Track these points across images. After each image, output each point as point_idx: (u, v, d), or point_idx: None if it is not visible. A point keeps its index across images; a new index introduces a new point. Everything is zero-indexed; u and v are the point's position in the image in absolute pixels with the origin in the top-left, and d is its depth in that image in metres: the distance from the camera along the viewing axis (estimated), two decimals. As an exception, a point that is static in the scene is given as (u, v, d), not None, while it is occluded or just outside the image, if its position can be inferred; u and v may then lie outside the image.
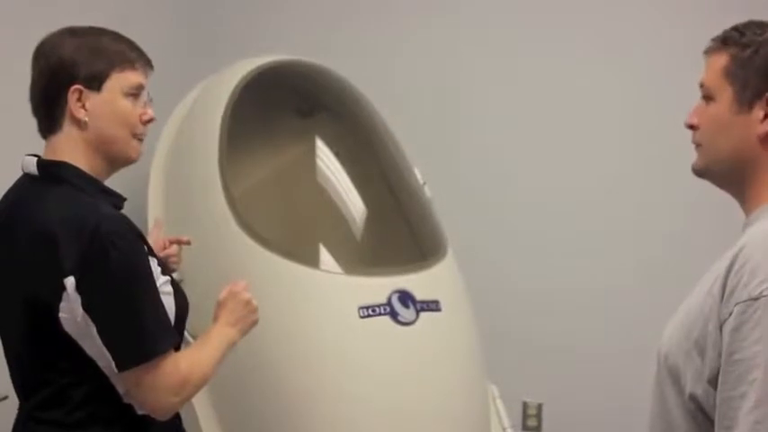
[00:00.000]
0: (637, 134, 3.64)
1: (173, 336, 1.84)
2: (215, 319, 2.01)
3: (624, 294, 3.65)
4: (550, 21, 3.71)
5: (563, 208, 3.72)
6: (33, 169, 1.88)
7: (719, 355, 1.41)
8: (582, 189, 3.71)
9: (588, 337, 3.69)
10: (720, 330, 1.42)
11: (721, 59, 1.56)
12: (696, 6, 3.47)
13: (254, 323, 2.06)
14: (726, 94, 1.55)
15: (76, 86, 1.85)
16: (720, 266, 1.47)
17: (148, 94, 1.95)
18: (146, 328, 1.78)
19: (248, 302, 2.03)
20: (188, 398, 1.88)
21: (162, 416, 1.87)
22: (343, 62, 3.34)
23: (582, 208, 3.70)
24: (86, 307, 1.75)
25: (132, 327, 1.77)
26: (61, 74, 1.85)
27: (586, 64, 3.68)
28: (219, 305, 2.03)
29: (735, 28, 1.58)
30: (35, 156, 1.90)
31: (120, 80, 1.88)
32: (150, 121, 1.94)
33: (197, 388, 1.89)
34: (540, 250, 3.75)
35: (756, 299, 1.38)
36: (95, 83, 1.86)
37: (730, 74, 1.55)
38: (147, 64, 1.94)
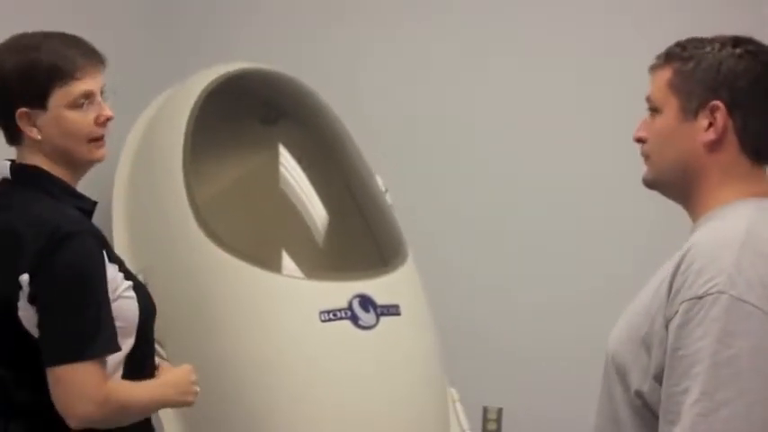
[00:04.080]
0: (602, 135, 3.62)
1: (109, 344, 1.81)
2: (162, 374, 2.01)
3: (586, 300, 3.65)
4: (510, 20, 3.73)
5: (524, 213, 3.74)
6: (7, 173, 1.91)
7: (665, 352, 1.46)
8: (544, 193, 3.71)
9: (549, 343, 3.70)
10: (666, 328, 1.47)
11: (666, 73, 1.62)
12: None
13: (186, 403, 2.04)
14: (671, 106, 1.61)
15: (22, 110, 1.85)
16: (667, 268, 1.52)
17: (104, 93, 1.90)
18: (81, 329, 1.78)
19: (194, 383, 2.02)
20: (106, 417, 1.81)
21: (75, 423, 1.80)
22: (307, 70, 3.37)
23: (542, 213, 3.71)
24: (32, 300, 1.79)
25: (67, 325, 1.79)
26: (5, 98, 1.86)
27: (540, 61, 3.68)
28: (172, 369, 2.03)
29: (677, 44, 1.64)
30: (10, 160, 1.93)
31: (63, 95, 1.85)
32: (108, 120, 1.90)
33: (117, 413, 1.83)
34: (501, 256, 3.77)
35: (701, 297, 1.43)
36: (37, 102, 1.85)
37: (674, 86, 1.60)
38: (98, 64, 1.90)
